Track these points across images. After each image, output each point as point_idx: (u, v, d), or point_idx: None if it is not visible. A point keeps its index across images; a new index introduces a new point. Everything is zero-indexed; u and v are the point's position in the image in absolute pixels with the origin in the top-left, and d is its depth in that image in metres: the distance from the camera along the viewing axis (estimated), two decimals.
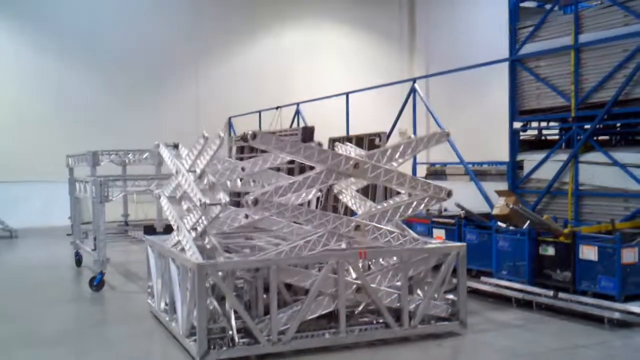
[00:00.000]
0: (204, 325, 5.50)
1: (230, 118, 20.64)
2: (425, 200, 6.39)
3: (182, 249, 6.59)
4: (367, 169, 6.10)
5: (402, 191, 6.60)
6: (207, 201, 5.95)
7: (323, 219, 5.87)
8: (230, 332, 5.65)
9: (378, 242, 6.13)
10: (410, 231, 6.60)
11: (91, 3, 19.09)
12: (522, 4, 10.53)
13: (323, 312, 5.92)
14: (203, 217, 6.23)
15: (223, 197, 6.03)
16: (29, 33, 18.48)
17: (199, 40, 20.17)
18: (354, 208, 7.04)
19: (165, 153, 7.51)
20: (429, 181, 6.47)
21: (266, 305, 5.78)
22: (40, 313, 7.75)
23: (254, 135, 5.68)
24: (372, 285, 6.06)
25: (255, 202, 5.58)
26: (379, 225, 6.13)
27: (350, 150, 7.11)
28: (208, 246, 6.39)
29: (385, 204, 6.62)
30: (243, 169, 7.36)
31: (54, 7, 18.70)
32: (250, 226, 7.40)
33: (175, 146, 7.50)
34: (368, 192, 13.19)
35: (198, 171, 6.62)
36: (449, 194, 6.39)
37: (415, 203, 6.37)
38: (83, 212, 12.14)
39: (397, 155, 6.42)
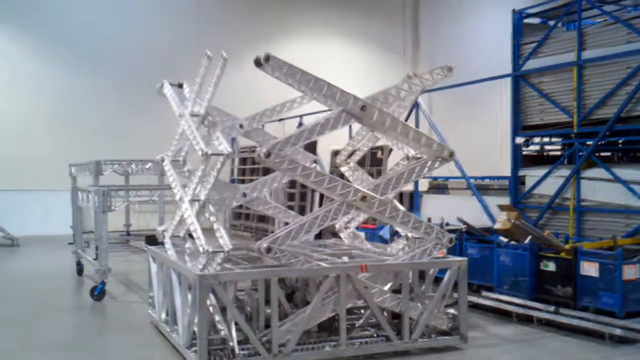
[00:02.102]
0: (205, 335, 5.50)
1: None
2: (429, 163, 6.19)
3: (184, 237, 6.57)
4: (373, 112, 5.95)
5: (404, 144, 6.44)
6: (209, 151, 5.89)
7: (332, 184, 5.78)
8: (231, 344, 5.64)
9: (382, 216, 6.02)
10: (408, 212, 6.44)
11: (97, 12, 19.21)
12: (525, 20, 10.60)
13: (326, 317, 5.89)
14: (205, 175, 6.11)
15: (225, 148, 5.94)
16: (33, 41, 18.60)
17: (204, 51, 20.24)
18: (356, 184, 7.01)
19: (169, 93, 7.26)
20: (431, 138, 6.23)
21: (267, 318, 5.77)
22: (41, 322, 7.74)
23: (267, 58, 5.56)
24: (373, 290, 6.02)
25: (268, 154, 5.44)
26: (384, 200, 6.03)
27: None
28: (211, 218, 6.29)
29: (388, 173, 6.48)
30: (241, 126, 7.34)
31: (59, 16, 18.82)
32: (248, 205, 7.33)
33: (180, 85, 7.38)
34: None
35: (202, 110, 6.50)
36: (452, 154, 6.18)
37: (418, 168, 6.17)
38: (85, 221, 12.16)
39: (402, 94, 6.34)
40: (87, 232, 12.98)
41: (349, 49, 22.74)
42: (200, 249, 5.76)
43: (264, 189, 7.29)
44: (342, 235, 7.61)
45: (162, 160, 7.20)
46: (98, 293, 8.87)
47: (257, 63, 5.47)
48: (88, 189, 9.85)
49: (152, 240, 13.82)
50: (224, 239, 5.88)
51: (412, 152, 6.73)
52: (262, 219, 17.73)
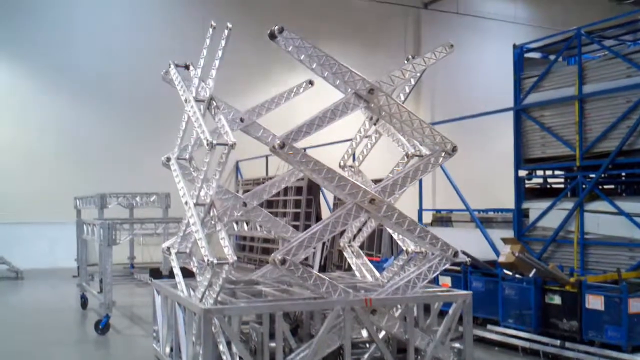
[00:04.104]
0: None
1: (237, 162, 20.82)
2: (432, 160, 6.08)
3: (190, 253, 6.54)
4: (381, 96, 5.92)
5: (408, 135, 6.36)
6: (215, 141, 5.87)
7: (342, 182, 5.70)
8: None
9: (389, 221, 5.95)
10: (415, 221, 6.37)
11: (103, 45, 19.48)
12: (526, 55, 10.73)
13: (332, 350, 5.84)
14: (208, 174, 6.08)
15: (229, 138, 5.92)
16: (39, 75, 18.85)
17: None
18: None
19: (176, 76, 7.16)
20: (435, 129, 6.14)
21: (272, 352, 5.76)
22: (45, 356, 7.73)
23: (281, 30, 5.55)
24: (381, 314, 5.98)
25: (282, 145, 5.35)
26: (392, 205, 5.98)
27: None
28: (217, 226, 6.23)
29: (391, 174, 6.43)
30: (242, 120, 7.35)
31: (65, 50, 19.07)
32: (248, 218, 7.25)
33: (187, 67, 7.33)
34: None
35: (207, 93, 6.49)
36: (455, 148, 6.06)
37: (422, 166, 6.07)
38: (89, 253, 12.19)
39: (407, 75, 6.33)
40: (92, 265, 13.00)
41: None
42: (205, 260, 5.70)
43: (264, 197, 7.27)
44: (345, 253, 7.58)
45: (168, 160, 7.06)
46: (102, 327, 8.86)
47: (272, 36, 5.48)
48: (93, 222, 9.90)
49: (157, 273, 13.83)
50: (229, 249, 5.82)
51: (411, 150, 6.72)
52: (266, 250, 17.74)
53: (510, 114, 10.71)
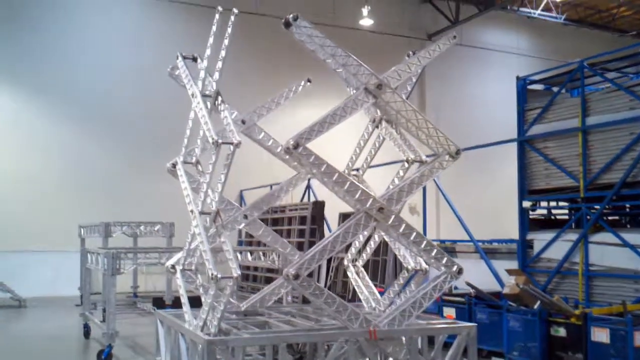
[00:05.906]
0: None
1: (241, 191, 20.84)
2: (437, 164, 6.04)
3: (196, 271, 6.49)
4: (388, 93, 5.90)
5: (412, 134, 6.30)
6: (220, 140, 5.85)
7: (352, 188, 5.66)
8: None
9: (396, 231, 5.89)
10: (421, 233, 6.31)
11: (108, 76, 19.67)
12: (529, 87, 10.81)
13: None
14: (213, 180, 6.05)
15: (235, 138, 5.91)
16: (46, 105, 19.02)
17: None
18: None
19: (183, 69, 7.05)
20: (439, 130, 6.09)
21: None
22: None
23: (296, 17, 5.50)
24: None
25: (296, 145, 5.28)
26: (399, 216, 5.92)
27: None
28: (222, 238, 6.19)
29: (392, 186, 6.38)
30: (243, 122, 7.33)
31: (71, 80, 19.26)
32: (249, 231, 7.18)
33: (194, 59, 7.27)
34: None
35: (214, 86, 6.48)
36: (458, 151, 5.99)
37: (427, 171, 6.04)
38: (92, 282, 12.16)
39: (413, 68, 6.31)
40: (95, 294, 12.96)
41: (357, 114, 23.03)
42: (209, 273, 5.66)
43: (264, 207, 7.26)
44: (349, 273, 7.53)
45: (174, 166, 6.90)
46: (105, 356, 8.80)
47: (286, 24, 5.52)
48: (97, 252, 9.90)
49: (160, 302, 13.76)
50: (233, 262, 5.79)
51: (411, 156, 6.72)
52: (269, 280, 17.68)
53: (514, 145, 10.76)
